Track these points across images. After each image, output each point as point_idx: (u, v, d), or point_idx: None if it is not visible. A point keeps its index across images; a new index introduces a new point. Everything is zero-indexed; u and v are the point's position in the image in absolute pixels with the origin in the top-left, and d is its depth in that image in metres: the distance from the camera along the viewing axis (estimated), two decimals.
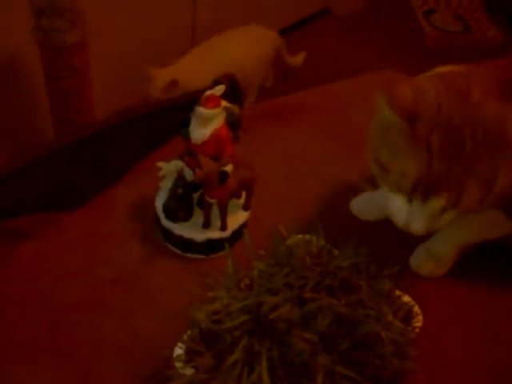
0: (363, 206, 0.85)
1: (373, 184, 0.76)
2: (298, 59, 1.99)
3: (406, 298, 0.67)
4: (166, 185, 0.79)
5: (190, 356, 0.59)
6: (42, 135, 1.61)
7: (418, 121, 0.61)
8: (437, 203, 0.63)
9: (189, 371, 0.59)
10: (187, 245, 0.78)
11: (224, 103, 0.75)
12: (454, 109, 0.61)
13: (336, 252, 0.67)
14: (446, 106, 0.61)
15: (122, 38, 1.61)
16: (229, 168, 0.73)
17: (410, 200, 0.65)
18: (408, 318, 0.64)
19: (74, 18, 1.29)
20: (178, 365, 0.60)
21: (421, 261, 0.78)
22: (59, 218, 0.83)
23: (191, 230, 0.78)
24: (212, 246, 0.78)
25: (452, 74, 0.66)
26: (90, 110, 1.46)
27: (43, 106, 1.47)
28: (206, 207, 0.77)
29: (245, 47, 1.74)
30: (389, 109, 0.62)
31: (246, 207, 0.80)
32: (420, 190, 0.63)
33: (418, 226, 0.66)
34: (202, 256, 0.78)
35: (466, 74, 0.65)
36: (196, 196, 0.80)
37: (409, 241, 0.76)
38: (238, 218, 0.80)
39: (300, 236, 0.69)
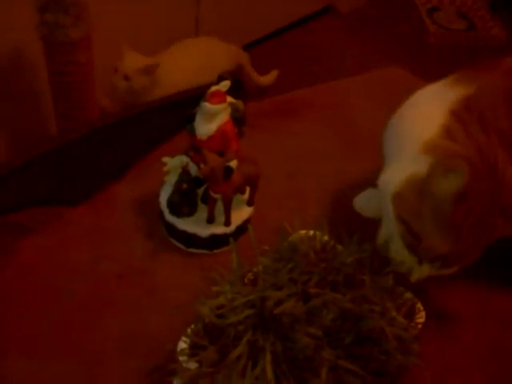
0: (366, 202, 0.85)
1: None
2: (267, 78, 1.91)
3: (409, 295, 0.67)
4: (171, 180, 0.79)
5: (194, 350, 0.60)
6: (45, 130, 1.61)
7: (462, 203, 0.59)
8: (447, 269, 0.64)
9: (192, 365, 0.59)
10: (191, 240, 0.78)
11: (229, 99, 0.75)
12: (486, 189, 0.59)
13: (340, 248, 0.67)
14: (486, 185, 0.59)
15: (124, 35, 1.61)
16: (234, 163, 0.73)
17: (420, 263, 0.65)
18: (411, 314, 0.64)
19: (78, 14, 1.30)
20: (181, 359, 0.60)
21: (365, 203, 0.79)
22: (63, 212, 0.83)
23: (195, 225, 0.78)
24: (216, 242, 0.78)
25: (479, 130, 0.62)
26: (92, 106, 1.46)
27: (46, 101, 1.48)
28: (210, 202, 0.77)
29: (200, 58, 1.67)
30: (446, 180, 0.58)
31: (250, 203, 0.81)
32: (438, 262, 0.63)
33: (421, 275, 0.66)
34: (206, 251, 0.79)
35: (479, 114, 0.62)
36: (200, 191, 0.80)
37: None
38: (241, 213, 0.80)
39: (304, 232, 0.70)
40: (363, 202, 0.85)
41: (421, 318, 0.65)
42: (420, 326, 0.64)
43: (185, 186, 0.77)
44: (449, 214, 0.59)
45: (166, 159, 0.79)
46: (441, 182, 0.59)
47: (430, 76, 1.13)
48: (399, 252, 0.66)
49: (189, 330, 0.61)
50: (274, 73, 1.92)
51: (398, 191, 0.65)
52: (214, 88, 0.73)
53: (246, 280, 0.64)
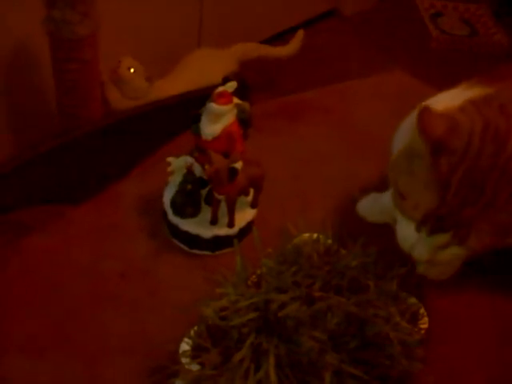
0: (369, 208, 0.85)
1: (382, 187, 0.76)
2: (291, 46, 1.81)
3: (413, 300, 0.67)
4: (175, 180, 0.79)
5: (197, 352, 0.59)
6: (48, 128, 1.60)
7: (444, 155, 0.60)
8: (443, 238, 0.63)
9: (195, 367, 0.59)
10: (194, 241, 0.78)
11: (235, 100, 0.75)
12: (485, 152, 0.59)
13: (343, 251, 0.67)
14: (476, 146, 0.59)
15: (127, 36, 1.61)
16: (238, 165, 0.73)
17: (418, 229, 0.65)
18: (414, 319, 0.64)
19: (86, 11, 1.29)
20: (184, 360, 0.60)
21: (427, 265, 0.78)
22: (65, 211, 0.83)
23: (198, 226, 0.78)
24: (218, 243, 0.78)
25: (496, 111, 0.63)
26: (96, 104, 1.46)
27: (49, 98, 1.47)
28: (214, 204, 0.77)
29: (194, 77, 1.63)
30: (418, 134, 0.60)
31: (253, 205, 0.80)
32: (429, 224, 0.63)
33: (420, 254, 0.66)
34: (209, 252, 0.78)
35: (501, 104, 0.63)
36: (204, 192, 0.80)
37: None
38: (245, 215, 0.80)
39: (308, 235, 0.69)
40: (367, 207, 0.85)
41: (424, 323, 0.65)
42: (423, 331, 0.64)
43: (189, 186, 0.77)
44: (429, 168, 0.60)
45: (170, 159, 0.78)
46: (418, 137, 0.61)
47: (432, 80, 1.14)
48: (402, 228, 0.67)
49: (192, 332, 0.61)
50: (299, 35, 1.82)
51: (393, 157, 0.68)
52: (220, 89, 0.73)
53: (249, 282, 0.63)
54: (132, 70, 1.54)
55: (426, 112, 0.60)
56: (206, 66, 1.65)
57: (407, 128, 0.71)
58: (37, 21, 1.28)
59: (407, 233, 0.66)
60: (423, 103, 0.64)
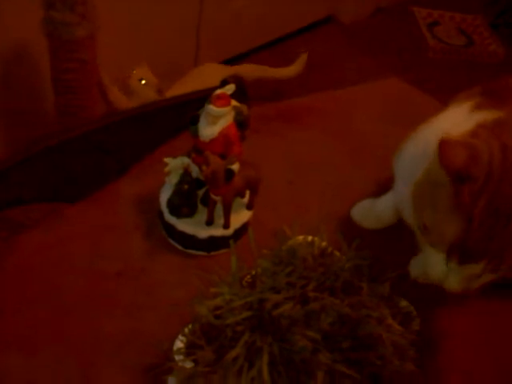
0: (364, 214, 0.86)
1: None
2: (295, 67, 1.85)
3: (405, 303, 0.68)
4: (172, 180, 0.80)
5: (191, 349, 0.60)
6: (45, 128, 1.61)
7: (466, 185, 0.58)
8: (475, 268, 0.61)
9: (188, 364, 0.59)
10: (189, 241, 0.79)
11: (233, 102, 0.76)
12: (506, 179, 0.58)
13: (337, 254, 0.68)
14: (497, 174, 0.58)
15: (125, 37, 1.61)
16: (235, 166, 0.74)
17: (447, 261, 0.62)
18: (406, 321, 0.65)
19: (84, 12, 1.30)
20: (177, 358, 0.60)
21: (420, 270, 0.79)
22: (62, 209, 0.83)
23: (194, 227, 0.78)
24: (214, 244, 0.79)
25: (510, 134, 0.61)
26: (93, 105, 1.46)
27: (47, 98, 1.47)
28: (210, 204, 0.77)
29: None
30: (439, 166, 0.59)
31: (249, 206, 0.81)
32: (456, 254, 0.61)
33: (453, 285, 0.64)
34: (204, 253, 0.79)
35: None
36: (200, 193, 0.81)
37: (408, 247, 0.77)
38: (240, 216, 0.80)
39: (302, 237, 0.70)
40: (361, 214, 0.86)
41: (416, 325, 0.66)
42: (415, 332, 0.65)
43: (185, 187, 0.78)
44: (452, 198, 0.58)
45: (167, 160, 0.79)
46: (437, 167, 0.59)
47: (428, 88, 1.15)
48: (430, 259, 0.64)
49: (186, 330, 0.62)
50: (303, 58, 1.84)
51: (415, 183, 0.66)
52: (218, 91, 0.74)
53: (244, 282, 0.64)
54: (143, 82, 1.53)
55: (445, 144, 0.58)
56: (209, 82, 1.66)
57: (416, 153, 0.69)
58: (35, 21, 1.28)
59: (436, 263, 0.63)
60: (442, 135, 0.60)
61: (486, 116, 0.64)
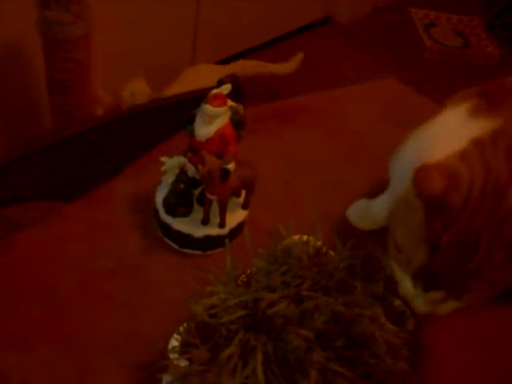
0: (359, 215, 0.86)
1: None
2: (291, 64, 1.86)
3: (398, 302, 0.68)
4: (168, 180, 0.80)
5: (185, 348, 0.60)
6: (40, 127, 1.61)
7: (440, 212, 0.56)
8: (438, 294, 0.61)
9: (183, 363, 0.60)
10: (185, 240, 0.79)
11: (230, 102, 0.76)
12: (483, 209, 0.56)
13: (332, 253, 0.68)
14: (474, 201, 0.56)
15: (122, 37, 1.61)
16: (231, 166, 0.74)
17: (414, 286, 0.63)
18: (400, 320, 0.65)
19: (79, 12, 1.30)
20: (172, 356, 0.60)
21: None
22: (57, 208, 0.83)
23: (190, 226, 0.79)
24: (209, 243, 0.79)
25: (500, 156, 0.58)
26: (88, 105, 1.46)
27: (42, 97, 1.47)
28: (205, 204, 0.78)
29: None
30: (414, 191, 0.58)
31: (245, 206, 0.82)
32: (420, 280, 0.61)
33: (418, 308, 0.64)
34: (199, 252, 0.79)
35: (509, 145, 0.58)
36: (196, 192, 0.81)
37: None
38: (236, 216, 0.81)
39: (297, 236, 0.70)
40: (357, 215, 0.86)
41: (410, 325, 0.66)
42: (409, 332, 0.65)
43: (181, 186, 0.78)
44: (422, 224, 0.58)
45: (163, 159, 0.79)
46: (412, 193, 0.58)
47: (424, 89, 1.16)
48: (401, 279, 0.64)
49: (181, 328, 0.62)
50: (299, 57, 1.85)
51: (393, 207, 0.66)
52: (215, 91, 0.74)
53: (239, 281, 0.64)
54: (134, 96, 1.53)
55: (422, 172, 0.57)
56: (203, 82, 1.65)
57: (411, 158, 0.67)
58: (29, 21, 1.28)
59: (406, 284, 0.64)
60: (421, 163, 0.58)
61: (482, 125, 0.62)
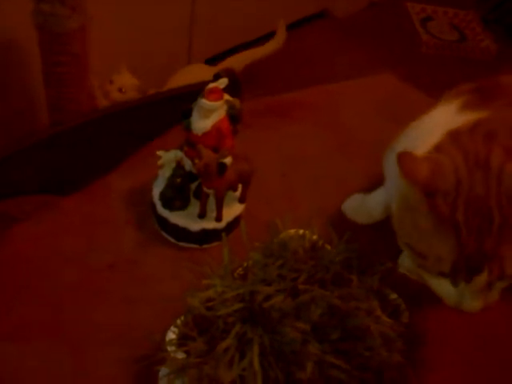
0: (355, 209, 0.86)
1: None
2: (274, 41, 1.81)
3: (394, 295, 0.69)
4: (164, 173, 0.80)
5: (183, 340, 0.61)
6: (36, 121, 1.60)
7: (438, 196, 0.58)
8: (482, 279, 0.59)
9: (180, 355, 0.60)
10: (182, 234, 0.79)
11: (226, 96, 0.76)
12: (475, 180, 0.58)
13: (328, 247, 0.69)
14: (465, 179, 0.58)
15: (117, 34, 1.61)
16: (228, 160, 0.74)
17: (454, 283, 0.61)
18: (395, 313, 0.66)
19: (75, 5, 1.29)
20: (170, 348, 0.61)
21: (410, 264, 0.79)
22: (54, 201, 0.83)
23: (186, 220, 0.79)
24: (206, 236, 0.79)
25: (471, 140, 0.61)
26: (85, 98, 1.46)
27: (38, 91, 1.47)
28: (202, 197, 0.78)
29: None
30: (407, 186, 0.59)
31: (241, 200, 0.82)
32: (461, 271, 0.59)
33: (472, 306, 0.62)
34: (196, 246, 0.80)
35: (488, 131, 0.61)
36: (193, 186, 0.81)
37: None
38: (233, 210, 0.81)
39: (294, 230, 0.71)
40: (353, 209, 0.87)
41: (405, 318, 0.67)
42: (404, 325, 0.66)
43: (178, 180, 0.79)
44: (434, 217, 0.58)
45: (160, 153, 0.80)
46: (408, 189, 0.59)
47: (420, 84, 1.16)
48: (439, 287, 0.63)
49: (178, 321, 0.62)
50: (282, 26, 1.81)
51: (393, 220, 0.65)
52: (211, 85, 0.74)
53: (235, 275, 0.65)
54: (123, 90, 1.52)
55: (404, 157, 0.59)
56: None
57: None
58: (24, 13, 1.28)
59: (446, 290, 0.62)
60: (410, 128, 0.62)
61: (468, 118, 0.64)
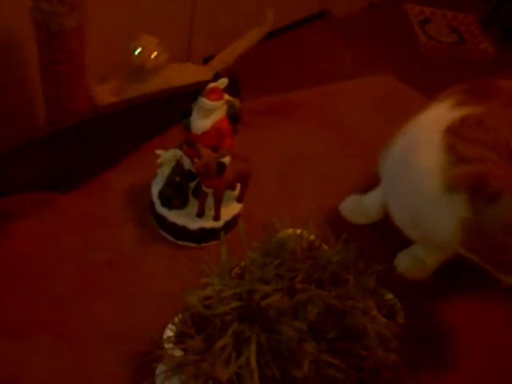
0: (352, 210, 0.87)
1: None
2: (260, 28, 1.77)
3: (390, 295, 0.69)
4: (164, 172, 0.81)
5: (180, 338, 0.61)
6: (34, 120, 1.60)
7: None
8: None
9: (178, 353, 0.60)
10: (180, 232, 0.80)
11: (226, 96, 0.77)
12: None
13: (325, 247, 0.69)
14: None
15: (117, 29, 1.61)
16: (227, 159, 0.75)
17: None
18: (391, 313, 0.66)
19: (73, 3, 1.30)
20: (167, 346, 0.61)
21: (407, 265, 0.80)
22: (54, 199, 0.84)
23: (185, 218, 0.79)
24: (204, 235, 0.80)
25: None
26: (82, 96, 1.46)
27: (36, 89, 1.47)
28: (201, 196, 0.78)
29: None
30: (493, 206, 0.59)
31: (239, 199, 0.82)
32: None
33: None
34: (194, 244, 0.80)
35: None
36: (192, 185, 0.82)
37: (394, 242, 0.79)
38: (231, 209, 0.81)
39: (292, 230, 0.71)
40: (350, 209, 0.87)
41: (400, 318, 0.67)
42: (399, 325, 0.66)
43: (177, 179, 0.79)
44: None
45: (159, 152, 0.80)
46: (489, 211, 0.60)
47: (418, 85, 1.17)
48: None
49: (176, 319, 0.63)
50: (270, 14, 1.78)
51: (459, 242, 0.65)
52: (212, 85, 0.75)
53: (233, 273, 0.65)
54: (154, 55, 1.47)
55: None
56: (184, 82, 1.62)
57: (394, 160, 0.71)
58: (23, 11, 1.28)
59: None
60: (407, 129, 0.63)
61: (460, 114, 0.65)
